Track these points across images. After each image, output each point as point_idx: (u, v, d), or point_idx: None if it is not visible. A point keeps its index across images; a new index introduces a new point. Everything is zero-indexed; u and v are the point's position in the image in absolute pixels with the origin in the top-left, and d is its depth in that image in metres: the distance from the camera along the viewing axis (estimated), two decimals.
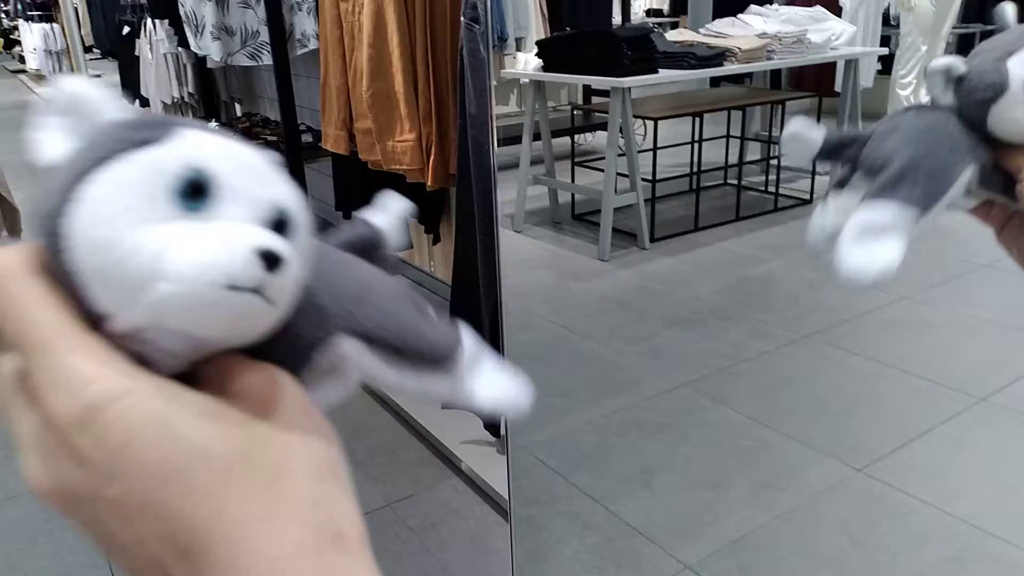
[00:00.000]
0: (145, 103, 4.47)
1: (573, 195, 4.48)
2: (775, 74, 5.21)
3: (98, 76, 9.83)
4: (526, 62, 4.13)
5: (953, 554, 1.84)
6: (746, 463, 2.22)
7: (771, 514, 2.01)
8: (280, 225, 0.27)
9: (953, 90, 0.47)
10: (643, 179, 3.95)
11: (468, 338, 0.37)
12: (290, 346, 0.30)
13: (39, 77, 11.00)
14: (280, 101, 3.04)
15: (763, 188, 4.73)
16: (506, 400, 0.38)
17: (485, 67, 1.63)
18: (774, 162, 4.68)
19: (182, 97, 4.16)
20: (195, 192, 0.26)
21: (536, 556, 1.90)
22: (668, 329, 3.06)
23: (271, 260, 0.25)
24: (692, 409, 2.50)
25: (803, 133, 0.51)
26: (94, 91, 0.27)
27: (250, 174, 0.27)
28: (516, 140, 4.35)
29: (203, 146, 0.26)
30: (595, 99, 5.57)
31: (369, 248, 0.41)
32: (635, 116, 3.97)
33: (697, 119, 4.15)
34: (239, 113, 4.29)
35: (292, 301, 0.28)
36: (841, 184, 0.50)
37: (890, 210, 0.45)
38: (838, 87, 4.93)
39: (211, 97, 4.35)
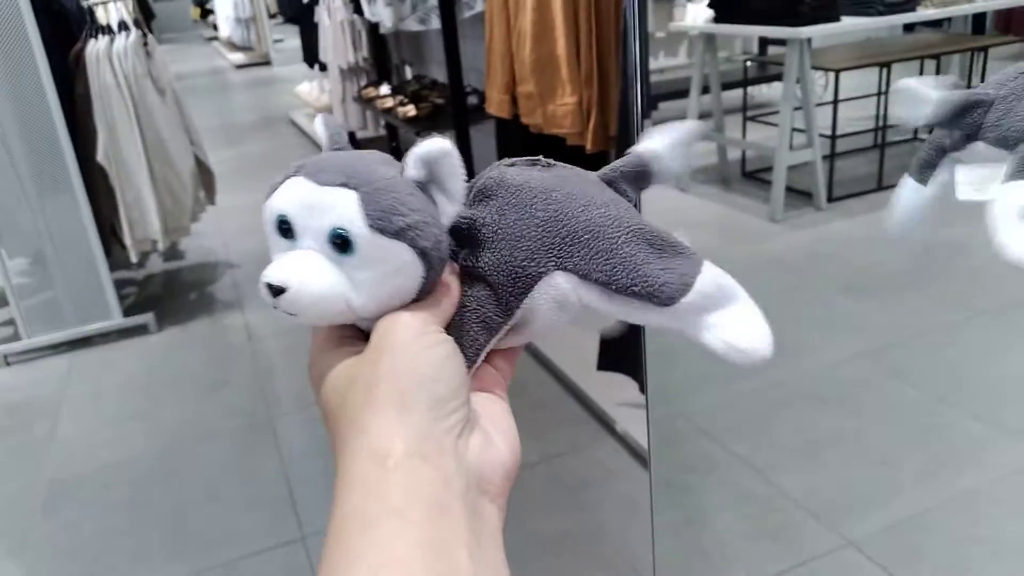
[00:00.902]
0: (324, 67, 4.73)
1: (744, 151, 4.30)
2: (978, 17, 4.70)
3: (279, 40, 10.46)
4: (696, 13, 3.98)
5: None
6: (922, 441, 2.09)
7: (947, 496, 1.88)
8: (342, 243, 0.35)
9: None
10: (822, 134, 3.72)
11: (711, 280, 0.41)
12: (511, 275, 0.39)
13: (232, 45, 11.84)
14: (448, 66, 3.12)
15: None
16: (735, 347, 0.41)
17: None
18: None
19: (357, 62, 4.35)
20: (284, 229, 0.36)
21: (691, 523, 1.89)
22: (842, 296, 2.90)
23: (275, 289, 0.35)
24: (865, 382, 2.37)
25: (915, 90, 0.47)
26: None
27: (309, 211, 0.36)
28: (685, 94, 4.23)
29: (286, 195, 0.37)
30: (772, 49, 5.28)
31: (640, 177, 0.44)
32: (814, 67, 3.73)
33: (884, 69, 3.85)
34: (409, 76, 4.44)
35: (322, 301, 0.37)
36: (940, 152, 0.46)
37: None
38: None
39: (384, 61, 4.53)
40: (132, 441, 2.44)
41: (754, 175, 4.24)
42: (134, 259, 3.02)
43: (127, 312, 3.04)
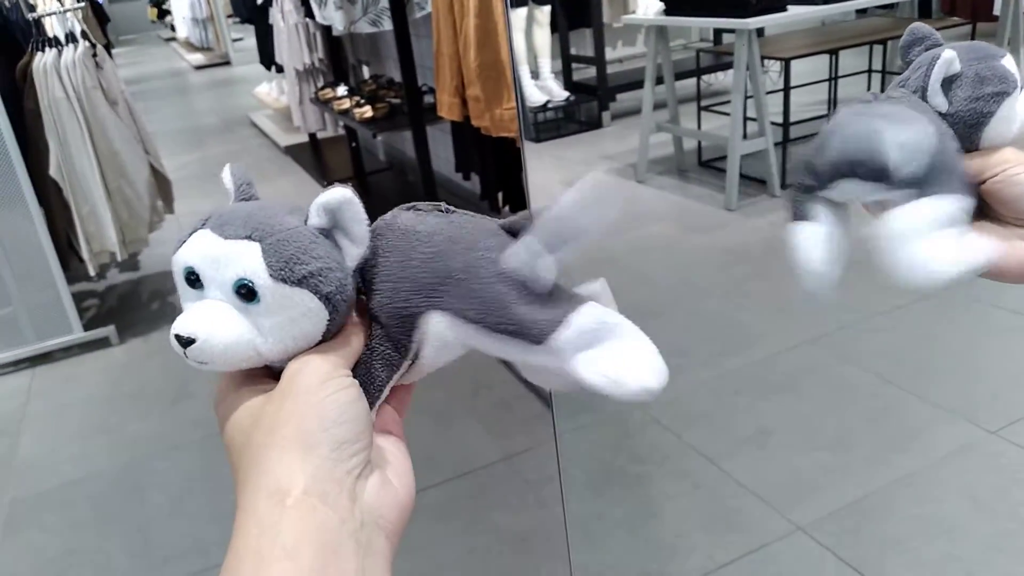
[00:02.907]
0: (280, 69, 4.70)
1: (699, 141, 4.36)
2: (925, 0, 4.80)
3: (239, 39, 10.35)
4: (647, 4, 4.02)
5: None
6: (869, 424, 2.15)
7: (892, 477, 1.95)
8: (247, 292, 0.37)
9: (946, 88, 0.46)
10: (774, 122, 3.78)
11: (589, 317, 0.42)
12: (395, 316, 0.41)
13: (189, 45, 11.69)
14: (402, 67, 3.13)
15: None
16: (613, 380, 0.42)
17: None
18: None
19: (313, 63, 4.34)
20: (192, 280, 0.38)
21: (646, 514, 1.94)
22: (796, 283, 2.96)
23: (183, 340, 0.38)
24: (815, 368, 2.44)
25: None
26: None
27: (215, 264, 0.38)
28: (640, 85, 4.27)
29: (193, 248, 0.38)
30: (727, 37, 5.34)
31: (517, 232, 0.44)
32: (765, 56, 3.79)
33: (834, 56, 3.92)
34: (366, 76, 4.44)
35: (234, 355, 0.39)
36: (806, 192, 0.48)
37: (951, 202, 0.45)
38: (998, 10, 4.48)
39: (340, 61, 4.52)
40: (96, 456, 2.44)
41: (710, 164, 4.30)
42: (92, 272, 3.00)
43: (88, 326, 3.03)
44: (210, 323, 0.37)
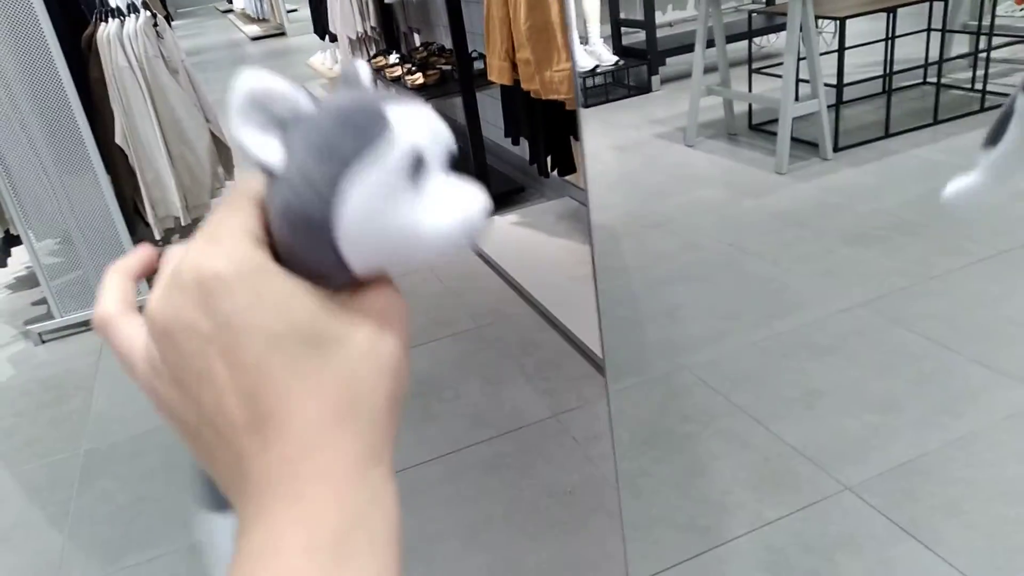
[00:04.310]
0: (334, 38, 4.75)
1: (750, 105, 4.30)
2: None
3: (294, 10, 10.44)
4: None
5: None
6: (921, 387, 2.14)
7: (945, 440, 1.94)
8: (452, 163, 0.31)
9: None
10: (828, 84, 3.71)
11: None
12: None
13: (246, 17, 11.83)
14: (452, 32, 3.15)
15: (969, 86, 4.29)
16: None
17: None
18: (983, 56, 4.21)
19: (365, 32, 4.38)
20: (418, 167, 0.29)
21: (693, 472, 1.97)
22: (847, 246, 2.93)
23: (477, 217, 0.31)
24: (866, 331, 2.42)
25: None
26: (278, 84, 0.30)
27: (434, 136, 0.30)
28: (690, 48, 4.22)
29: (411, 128, 0.29)
30: None
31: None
32: (819, 16, 3.71)
33: (891, 14, 3.81)
34: (418, 43, 4.47)
35: None
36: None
37: None
38: None
39: (391, 29, 4.55)
40: None
41: (761, 127, 4.24)
42: (158, 236, 3.12)
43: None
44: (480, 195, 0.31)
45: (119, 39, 2.90)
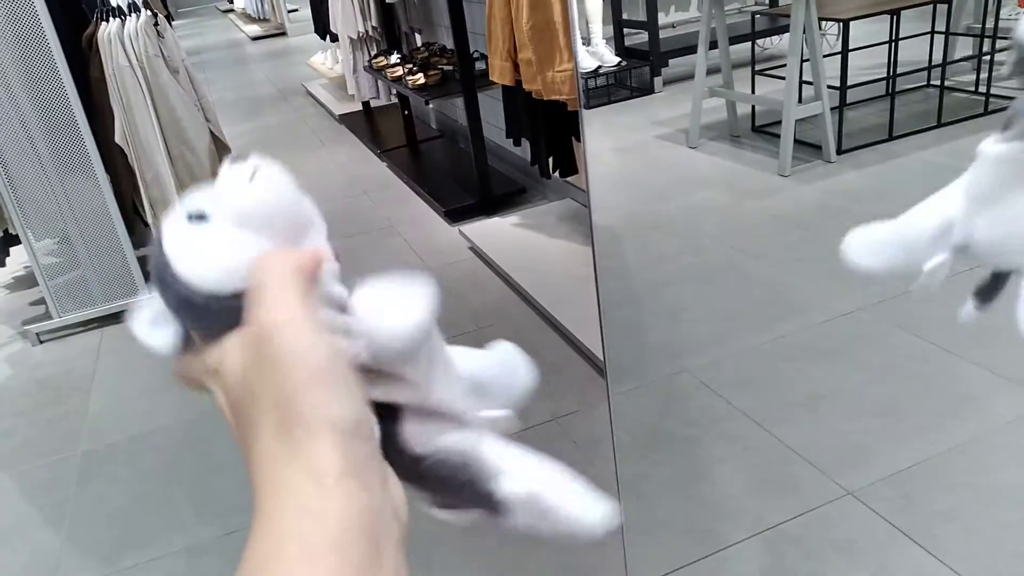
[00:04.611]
0: (335, 38, 4.74)
1: (753, 106, 4.29)
2: None
3: (294, 10, 10.44)
4: None
5: None
6: (924, 391, 2.12)
7: (946, 445, 1.93)
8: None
9: None
10: (831, 86, 3.70)
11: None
12: None
13: (246, 16, 11.83)
14: (454, 32, 3.14)
15: (972, 89, 4.27)
16: None
17: None
18: (987, 58, 4.20)
19: (366, 32, 4.37)
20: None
21: (695, 476, 1.96)
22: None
23: None
24: (869, 335, 2.41)
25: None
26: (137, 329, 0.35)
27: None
28: (693, 50, 4.21)
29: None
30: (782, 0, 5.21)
31: None
32: (823, 18, 3.70)
33: (894, 16, 3.80)
34: (419, 43, 4.45)
35: None
36: None
37: None
38: None
39: (393, 29, 4.54)
40: (162, 412, 2.55)
41: (764, 129, 4.23)
42: None
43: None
44: None
45: (120, 38, 2.89)
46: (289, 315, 0.32)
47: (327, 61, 6.61)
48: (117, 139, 2.90)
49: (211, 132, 3.16)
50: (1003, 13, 4.34)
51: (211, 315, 0.33)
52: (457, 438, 0.37)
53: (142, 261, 3.12)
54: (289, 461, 0.31)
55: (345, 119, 5.69)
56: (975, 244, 0.48)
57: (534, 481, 0.38)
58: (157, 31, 2.98)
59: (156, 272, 0.34)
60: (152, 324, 0.35)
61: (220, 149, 3.25)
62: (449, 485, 0.37)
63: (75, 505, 2.20)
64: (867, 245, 0.52)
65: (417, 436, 0.37)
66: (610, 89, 5.33)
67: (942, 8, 4.14)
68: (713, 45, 4.04)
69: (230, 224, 0.33)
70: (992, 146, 0.45)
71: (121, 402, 2.66)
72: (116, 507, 2.17)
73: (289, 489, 0.30)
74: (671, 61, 5.37)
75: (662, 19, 5.60)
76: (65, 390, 2.77)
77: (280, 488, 0.31)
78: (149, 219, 3.01)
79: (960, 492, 1.79)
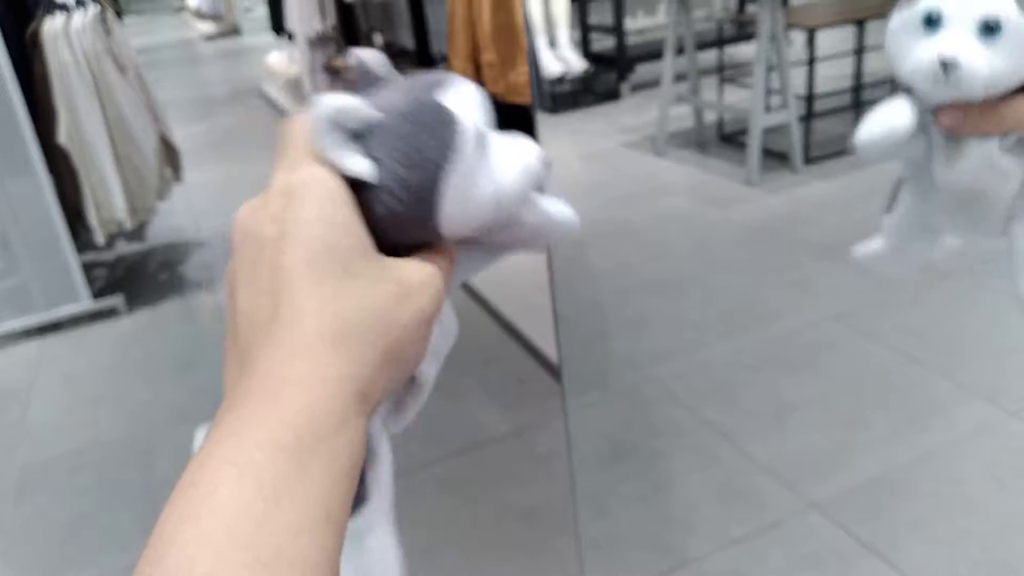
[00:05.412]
0: (291, 36, 4.65)
1: (720, 114, 4.27)
2: None
3: (250, 10, 10.31)
4: None
5: None
6: (889, 402, 2.10)
7: (910, 456, 1.90)
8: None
9: None
10: (797, 95, 3.69)
11: None
12: None
13: (200, 15, 11.65)
14: (415, 34, 3.08)
15: None
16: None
17: None
18: None
19: (324, 30, 4.28)
20: (481, 140, 0.33)
21: (658, 489, 1.90)
22: (816, 259, 2.89)
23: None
24: (836, 344, 2.38)
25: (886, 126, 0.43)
26: (346, 101, 0.32)
27: (481, 107, 0.34)
28: (660, 56, 4.18)
29: (466, 110, 0.33)
30: (750, 6, 5.22)
31: None
32: (789, 25, 3.69)
33: (860, 26, 3.81)
34: (379, 44, 4.38)
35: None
36: None
37: None
38: None
39: (352, 29, 4.46)
40: (104, 424, 2.44)
41: (732, 138, 4.21)
42: (101, 241, 2.99)
43: (96, 295, 3.02)
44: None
45: (65, 34, 2.77)
46: (298, 178, 0.32)
47: (283, 61, 6.49)
48: (61, 139, 2.78)
49: (160, 133, 3.06)
50: None
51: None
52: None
53: (86, 267, 3.00)
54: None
55: None
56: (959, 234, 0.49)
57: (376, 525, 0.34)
58: (105, 27, 2.87)
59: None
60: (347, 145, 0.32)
61: (169, 151, 3.14)
62: None
63: (12, 521, 2.08)
64: (876, 260, 0.50)
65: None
66: (576, 95, 5.30)
67: None
68: (680, 51, 4.02)
69: None
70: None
71: (62, 414, 2.54)
72: (55, 523, 2.06)
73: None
74: (638, 67, 5.35)
75: (629, 24, 5.58)
76: (3, 401, 2.65)
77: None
78: (93, 222, 2.89)
79: (922, 503, 1.77)
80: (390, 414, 0.37)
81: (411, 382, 0.36)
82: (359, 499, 0.31)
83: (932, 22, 0.38)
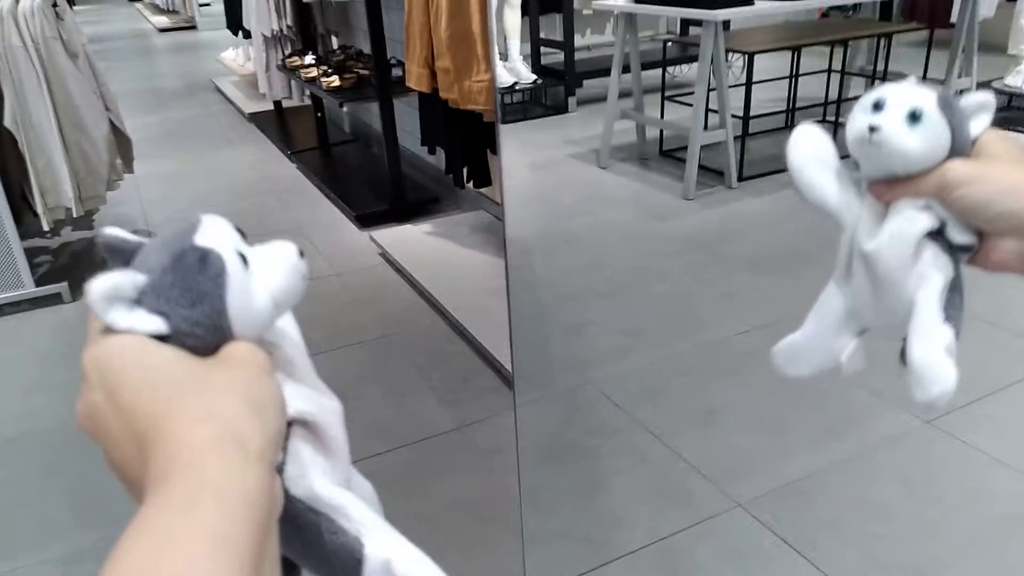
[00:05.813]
0: (248, 35, 4.64)
1: (662, 131, 4.43)
2: (886, 4, 4.91)
3: (206, 4, 10.14)
4: None
5: (1019, 511, 1.83)
6: (810, 409, 2.23)
7: (828, 460, 2.03)
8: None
9: None
10: (734, 115, 3.86)
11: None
12: None
13: (154, 7, 11.41)
14: (371, 37, 3.12)
15: None
16: None
17: None
18: None
19: (281, 30, 4.29)
20: (244, 259, 0.38)
21: (593, 486, 1.99)
22: (747, 271, 3.04)
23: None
24: (762, 353, 2.46)
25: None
26: (117, 278, 0.35)
27: (230, 228, 0.39)
28: (607, 72, 4.31)
29: (220, 238, 0.38)
30: (693, 30, 5.40)
31: None
32: (729, 49, 3.86)
33: (795, 53, 4.00)
34: (335, 46, 4.40)
35: None
36: None
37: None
38: (954, 18, 4.62)
39: (308, 30, 4.47)
40: (43, 412, 2.41)
41: (671, 154, 4.37)
42: (46, 227, 2.95)
43: (40, 281, 2.97)
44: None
45: (13, 16, 2.74)
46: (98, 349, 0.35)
47: (238, 58, 6.44)
48: (6, 122, 2.75)
49: (111, 121, 3.03)
50: (893, 56, 4.63)
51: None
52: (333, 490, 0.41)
53: (29, 253, 2.96)
54: (213, 424, 0.33)
55: (255, 118, 5.55)
56: (874, 327, 0.55)
57: (391, 548, 0.42)
58: (56, 12, 2.84)
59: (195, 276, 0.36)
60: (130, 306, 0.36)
61: (120, 140, 3.12)
62: (308, 534, 0.40)
63: None
64: (791, 358, 0.58)
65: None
66: (526, 106, 5.40)
67: (839, 49, 4.38)
68: (626, 69, 4.16)
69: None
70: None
71: (0, 400, 2.50)
72: None
73: (207, 450, 0.32)
74: (585, 82, 5.48)
75: (578, 41, 5.72)
76: None
77: (196, 448, 0.32)
78: (39, 208, 2.85)
79: (839, 506, 1.88)
80: (325, 459, 0.44)
81: (306, 427, 0.41)
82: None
83: (877, 106, 0.47)
